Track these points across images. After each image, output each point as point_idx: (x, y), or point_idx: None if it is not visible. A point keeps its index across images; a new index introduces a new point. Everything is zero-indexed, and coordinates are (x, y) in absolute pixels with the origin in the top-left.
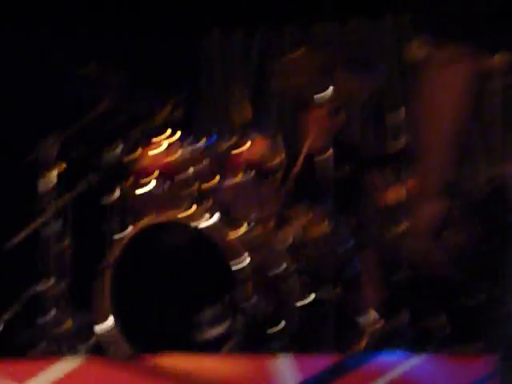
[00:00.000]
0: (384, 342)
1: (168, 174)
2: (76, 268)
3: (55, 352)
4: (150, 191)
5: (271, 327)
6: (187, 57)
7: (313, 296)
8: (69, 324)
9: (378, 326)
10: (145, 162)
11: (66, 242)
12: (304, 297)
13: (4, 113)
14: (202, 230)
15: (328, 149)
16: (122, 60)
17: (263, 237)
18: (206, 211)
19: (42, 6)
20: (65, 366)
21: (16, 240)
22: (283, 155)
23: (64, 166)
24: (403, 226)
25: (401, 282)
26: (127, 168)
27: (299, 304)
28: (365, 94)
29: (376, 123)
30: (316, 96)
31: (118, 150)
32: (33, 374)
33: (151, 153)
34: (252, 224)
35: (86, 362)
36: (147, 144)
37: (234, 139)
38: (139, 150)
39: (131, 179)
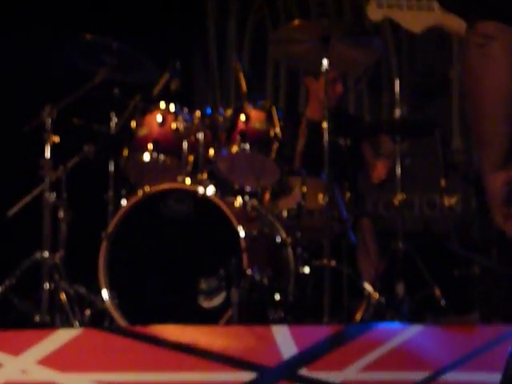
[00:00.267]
0: (381, 313)
1: (164, 145)
2: (72, 240)
3: (50, 324)
4: (146, 162)
5: (268, 298)
6: (183, 28)
7: (309, 267)
8: (64, 296)
9: (375, 297)
10: (141, 133)
11: (62, 213)
12: (301, 268)
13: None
14: (202, 198)
15: (326, 119)
16: (117, 31)
17: (260, 208)
18: (203, 182)
19: None
20: (60, 337)
21: (11, 212)
22: (279, 126)
23: (60, 137)
24: (398, 198)
25: (397, 254)
26: (124, 139)
27: (296, 275)
28: (360, 65)
29: (372, 95)
30: (313, 67)
31: (114, 121)
32: (28, 346)
33: (147, 124)
34: (248, 195)
35: (82, 333)
36: (143, 115)
37: (230, 110)
38: (135, 121)
39: (127, 150)
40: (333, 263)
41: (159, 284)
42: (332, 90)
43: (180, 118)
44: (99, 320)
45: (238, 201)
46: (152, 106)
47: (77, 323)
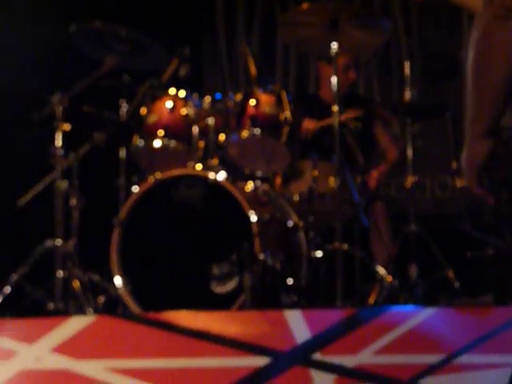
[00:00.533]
0: (394, 296)
1: (174, 131)
2: (84, 227)
3: (64, 312)
4: (156, 148)
5: (281, 283)
6: (192, 14)
7: (322, 251)
8: (77, 283)
9: (388, 280)
10: (151, 120)
11: (74, 201)
12: (313, 252)
13: (11, 72)
14: (213, 184)
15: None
16: (127, 18)
17: (271, 192)
18: (214, 167)
19: None
20: (74, 325)
21: (24, 200)
22: (289, 111)
23: (71, 124)
24: (410, 180)
25: (409, 236)
26: (134, 126)
27: (308, 259)
28: (370, 47)
29: (382, 77)
30: (322, 50)
31: (125, 108)
32: (42, 334)
33: (157, 110)
34: (259, 180)
35: (95, 321)
36: (153, 102)
37: (240, 95)
38: (146, 108)
39: (138, 137)
40: (345, 247)
41: (172, 270)
42: (345, 76)
43: (190, 103)
44: (113, 307)
45: (250, 186)
46: (162, 92)
47: (90, 310)
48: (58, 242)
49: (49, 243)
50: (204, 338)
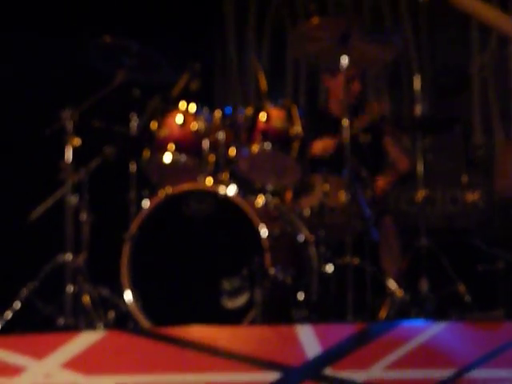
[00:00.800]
0: (405, 310)
1: (184, 145)
2: (94, 242)
3: (74, 327)
4: (167, 163)
5: (292, 297)
6: (203, 29)
7: (332, 265)
8: (87, 298)
9: (399, 294)
10: (162, 134)
11: (84, 215)
12: (324, 266)
13: (21, 87)
14: (223, 198)
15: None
16: (137, 32)
17: (282, 207)
18: (224, 182)
19: None
20: (84, 340)
21: (34, 215)
22: (300, 125)
23: (81, 139)
24: (421, 194)
25: (420, 250)
26: (144, 140)
27: (319, 274)
28: (380, 62)
29: (392, 92)
30: (332, 64)
31: (135, 122)
32: (52, 350)
33: (168, 124)
34: (270, 194)
35: (106, 336)
36: (164, 116)
37: (250, 110)
38: (156, 122)
39: (148, 151)
40: (356, 261)
41: (182, 285)
42: (350, 88)
43: (200, 118)
44: (123, 322)
45: (260, 200)
46: (172, 106)
47: (101, 325)
48: (69, 256)
49: (59, 258)
50: (214, 354)
